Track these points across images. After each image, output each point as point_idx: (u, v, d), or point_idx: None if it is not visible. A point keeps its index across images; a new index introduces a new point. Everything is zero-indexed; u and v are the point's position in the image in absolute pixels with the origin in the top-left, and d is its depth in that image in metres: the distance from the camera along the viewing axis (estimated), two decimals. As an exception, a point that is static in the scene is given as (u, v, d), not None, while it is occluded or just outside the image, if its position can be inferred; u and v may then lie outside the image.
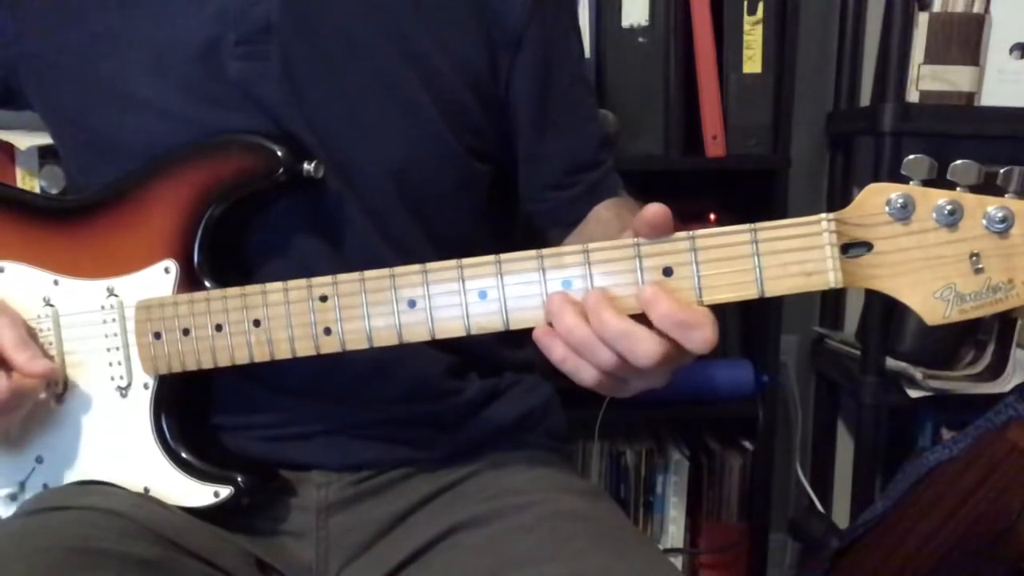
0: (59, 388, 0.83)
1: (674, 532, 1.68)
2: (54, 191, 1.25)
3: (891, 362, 1.59)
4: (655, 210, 0.64)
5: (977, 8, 1.53)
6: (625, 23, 1.50)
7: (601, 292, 0.65)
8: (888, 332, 1.59)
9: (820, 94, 1.81)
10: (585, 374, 0.66)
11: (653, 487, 1.67)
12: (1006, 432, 1.27)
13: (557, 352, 0.66)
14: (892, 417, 1.69)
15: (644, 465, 1.66)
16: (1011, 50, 1.53)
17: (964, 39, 1.52)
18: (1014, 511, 1.23)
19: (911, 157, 0.61)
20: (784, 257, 0.63)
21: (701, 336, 0.62)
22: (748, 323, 1.68)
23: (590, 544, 0.75)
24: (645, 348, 0.62)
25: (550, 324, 0.66)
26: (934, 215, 0.61)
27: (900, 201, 0.61)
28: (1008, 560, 1.25)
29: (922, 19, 1.52)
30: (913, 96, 1.53)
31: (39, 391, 0.79)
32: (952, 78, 1.53)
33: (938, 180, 0.61)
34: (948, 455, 1.33)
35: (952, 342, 1.62)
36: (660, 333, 0.63)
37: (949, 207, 0.60)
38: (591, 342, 0.64)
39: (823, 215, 0.62)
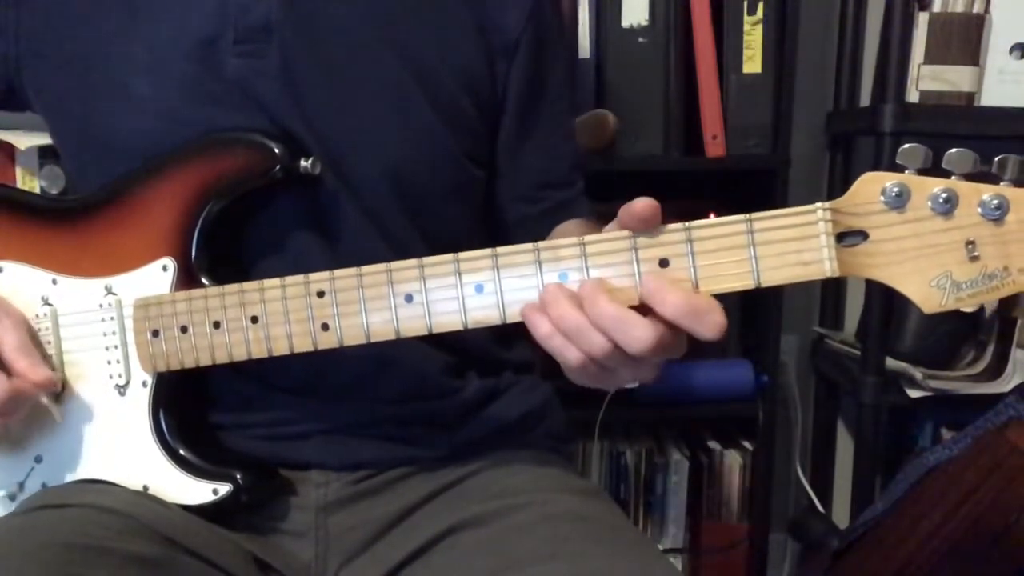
0: (58, 388, 0.82)
1: (674, 532, 1.67)
2: (54, 191, 1.25)
3: (891, 362, 1.58)
4: (644, 204, 0.64)
5: (977, 8, 1.52)
6: (625, 23, 1.50)
7: (597, 281, 0.65)
8: (888, 332, 1.59)
9: (820, 94, 1.81)
10: (571, 354, 0.65)
11: (653, 487, 1.67)
12: (1006, 432, 1.26)
13: (543, 328, 0.65)
14: (892, 417, 1.69)
15: (644, 465, 1.66)
16: (1011, 50, 1.53)
17: (964, 39, 1.52)
18: (1014, 511, 1.22)
19: (906, 146, 0.61)
20: (780, 247, 0.63)
21: (713, 320, 0.61)
22: (748, 323, 1.67)
23: (590, 544, 0.75)
24: (639, 334, 0.62)
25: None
26: (929, 203, 0.61)
27: (895, 190, 0.61)
28: (1008, 560, 1.25)
29: (922, 19, 1.52)
30: (913, 96, 1.53)
31: (37, 397, 0.79)
32: (952, 78, 1.53)
33: (933, 169, 0.61)
34: (948, 455, 1.33)
35: (952, 342, 1.62)
36: (661, 321, 0.62)
37: (944, 195, 0.60)
38: (584, 327, 0.63)
39: (818, 204, 0.62)
